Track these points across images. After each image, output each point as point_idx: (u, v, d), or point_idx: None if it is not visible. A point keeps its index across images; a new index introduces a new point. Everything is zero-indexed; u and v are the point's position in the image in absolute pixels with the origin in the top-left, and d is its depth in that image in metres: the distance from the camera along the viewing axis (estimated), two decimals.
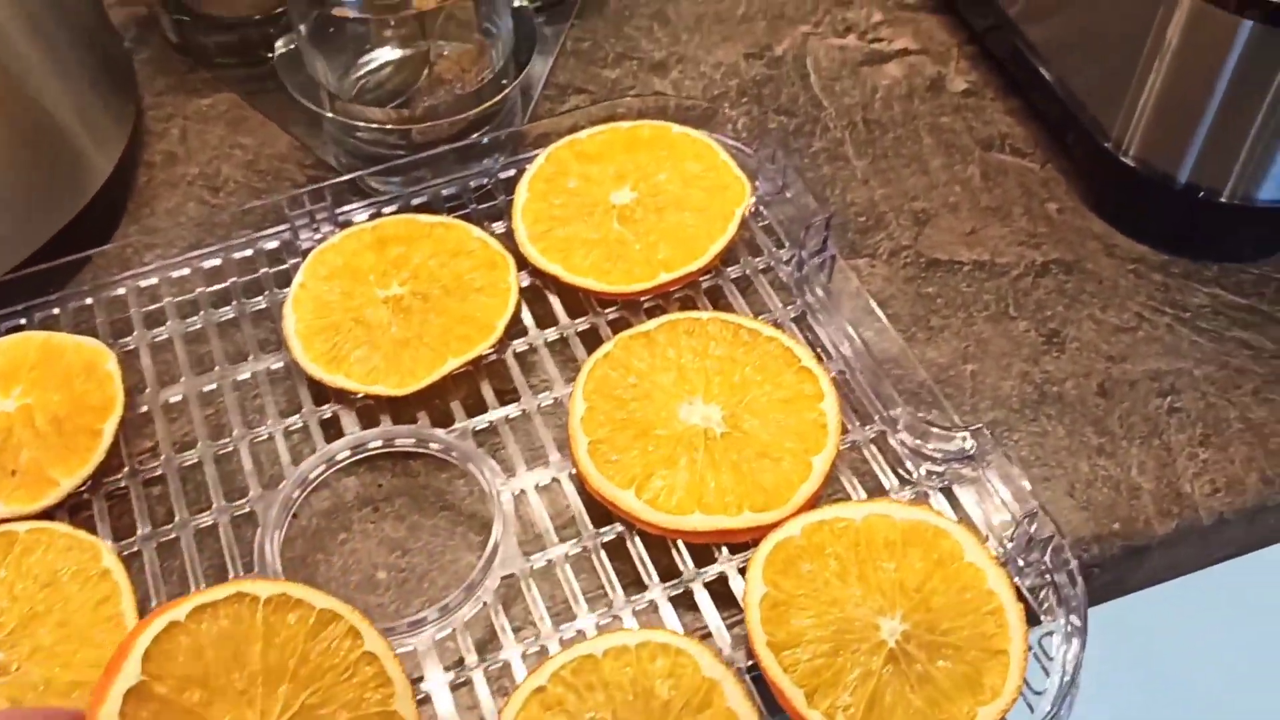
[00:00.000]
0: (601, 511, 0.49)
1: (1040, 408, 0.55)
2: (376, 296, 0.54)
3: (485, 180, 0.61)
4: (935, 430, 0.50)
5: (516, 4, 0.65)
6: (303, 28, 0.60)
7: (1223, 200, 0.58)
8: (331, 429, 0.52)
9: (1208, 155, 0.57)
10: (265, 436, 0.51)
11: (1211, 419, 0.54)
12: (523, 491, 0.49)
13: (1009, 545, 0.47)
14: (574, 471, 0.49)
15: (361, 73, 0.63)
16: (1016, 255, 0.61)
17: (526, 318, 0.56)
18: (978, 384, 0.56)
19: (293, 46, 0.61)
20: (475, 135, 0.62)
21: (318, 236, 0.57)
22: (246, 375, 0.53)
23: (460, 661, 0.45)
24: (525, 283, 0.57)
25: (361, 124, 0.60)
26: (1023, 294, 0.59)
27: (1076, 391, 0.56)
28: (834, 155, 0.66)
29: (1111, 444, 0.54)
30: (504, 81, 0.61)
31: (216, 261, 0.57)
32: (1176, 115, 0.57)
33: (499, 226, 0.59)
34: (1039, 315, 0.59)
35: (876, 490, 0.50)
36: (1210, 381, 0.56)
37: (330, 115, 0.60)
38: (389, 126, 0.61)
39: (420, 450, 0.51)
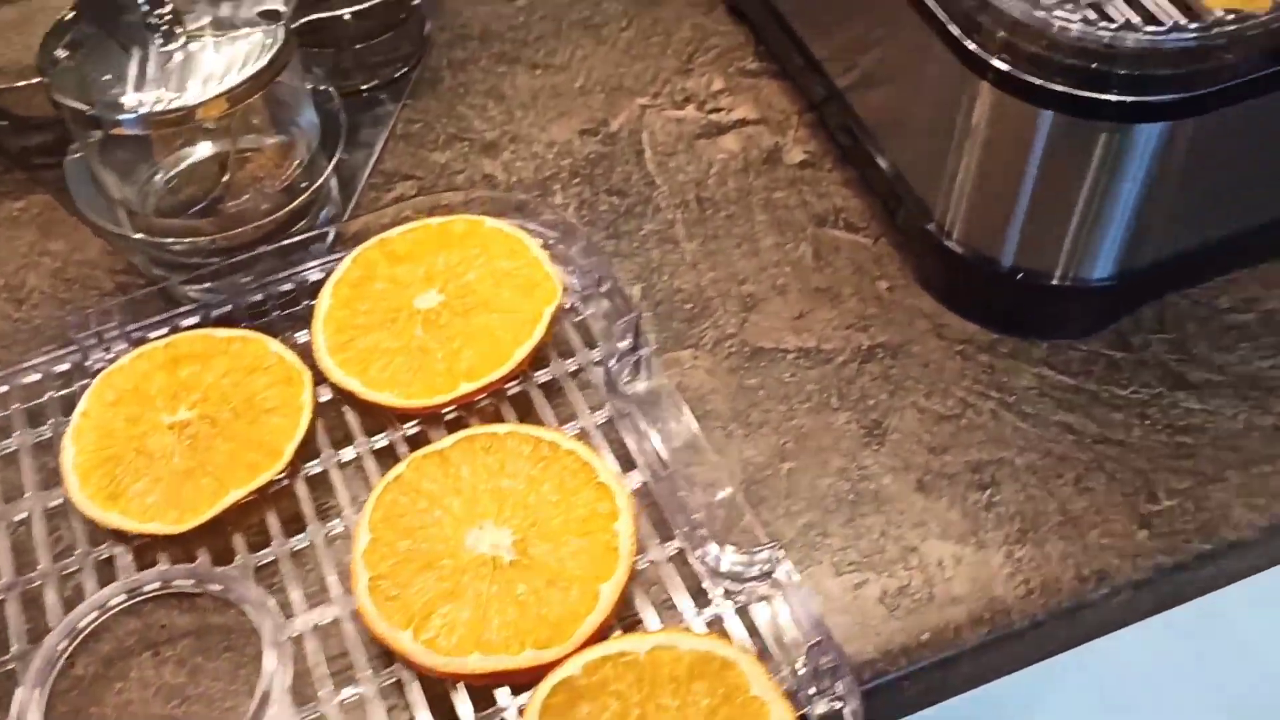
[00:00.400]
0: (385, 651, 0.47)
1: (857, 507, 0.53)
2: (162, 423, 0.52)
3: (291, 286, 0.59)
4: (731, 549, 0.48)
5: (322, 86, 0.63)
6: (92, 136, 0.58)
7: (1052, 283, 0.57)
8: (109, 571, 0.50)
9: (1030, 240, 0.56)
10: (37, 583, 0.49)
11: (1030, 513, 0.53)
12: (301, 634, 0.47)
13: (801, 671, 0.45)
14: (356, 609, 0.48)
15: (161, 179, 0.61)
16: (843, 340, 0.59)
17: (324, 436, 0.54)
18: (794, 484, 0.54)
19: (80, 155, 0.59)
20: (284, 237, 0.60)
21: (109, 356, 0.55)
22: (24, 514, 0.51)
23: None
24: (327, 397, 0.55)
25: (160, 238, 0.59)
26: (846, 382, 0.58)
27: (895, 487, 0.54)
28: (664, 238, 0.64)
29: (926, 545, 0.52)
30: (302, 185, 0.59)
31: (3, 389, 0.55)
32: (992, 201, 0.55)
33: (304, 336, 0.57)
34: (862, 405, 0.57)
35: (672, 614, 0.48)
36: (1031, 471, 0.54)
37: (134, 236, 0.59)
38: (202, 239, 0.59)
39: (199, 590, 0.49)
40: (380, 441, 0.53)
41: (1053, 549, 0.52)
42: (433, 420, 0.54)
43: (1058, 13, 0.46)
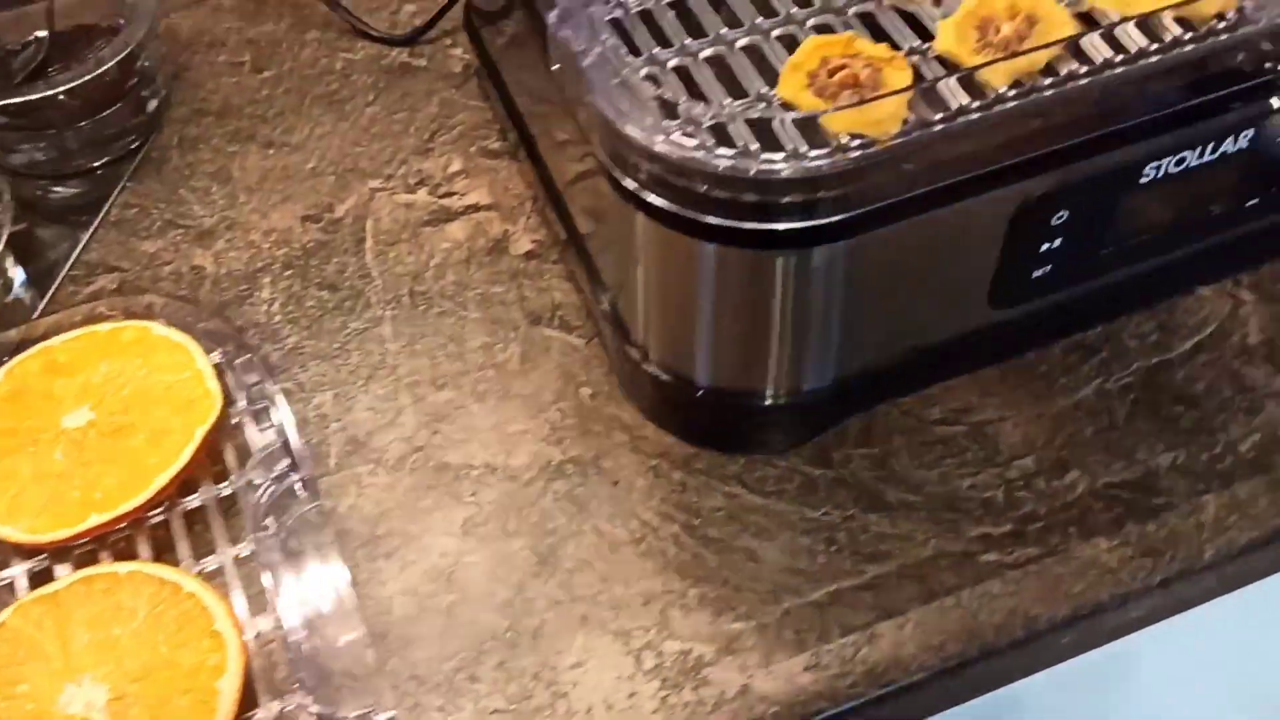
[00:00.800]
0: None
1: (514, 646, 0.50)
2: None
3: None
4: (346, 709, 0.45)
5: None
6: None
7: (749, 402, 0.54)
8: None
9: (723, 361, 0.53)
10: None
11: (694, 653, 0.49)
12: None
13: None
14: None
15: None
16: (534, 454, 0.56)
17: None
18: (453, 620, 0.51)
19: None
20: None
21: None
22: None
23: None
24: None
25: None
26: (529, 503, 0.54)
27: (558, 623, 0.51)
28: (368, 337, 0.61)
29: (578, 690, 0.49)
30: None
31: None
32: (679, 325, 0.52)
33: None
34: (540, 529, 0.54)
35: None
36: (704, 604, 0.51)
37: None
38: None
39: None
40: (2, 580, 0.50)
41: (710, 695, 0.49)
42: (62, 556, 0.50)
43: (675, 137, 0.43)
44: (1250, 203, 0.54)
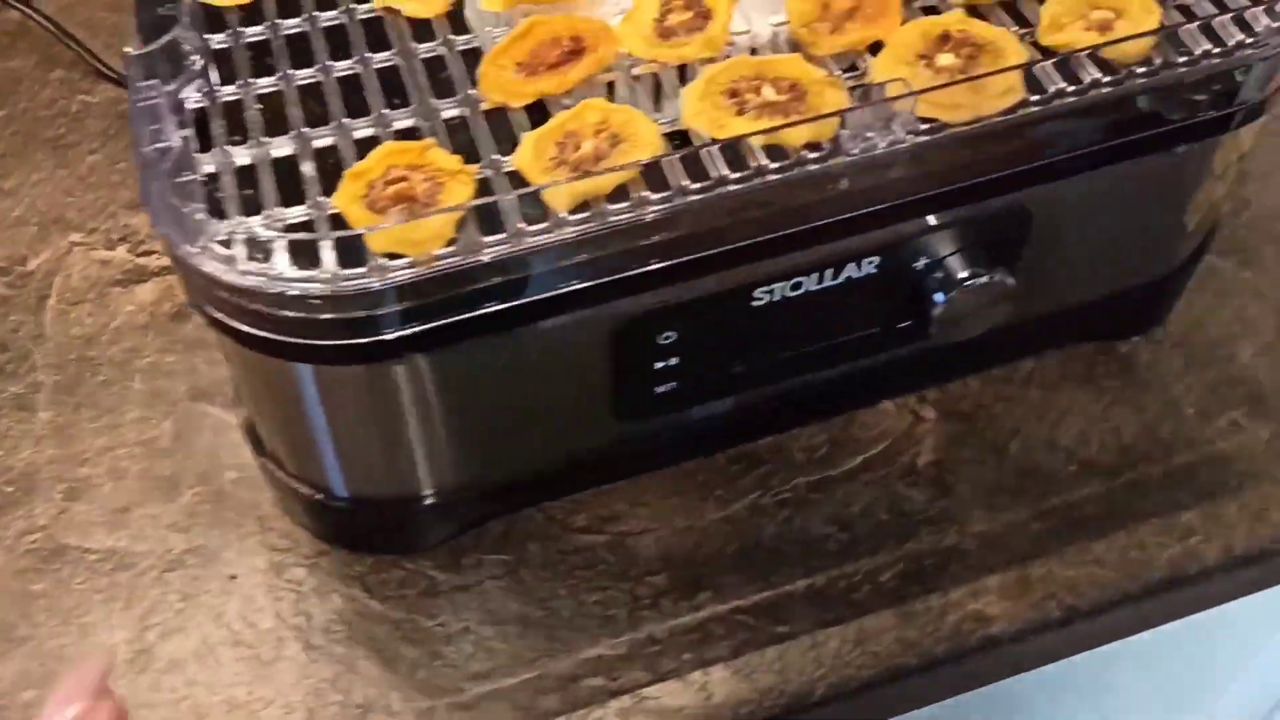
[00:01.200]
0: None
1: None
2: None
3: None
4: None
5: None
6: None
7: (384, 508, 0.52)
8: None
9: (349, 466, 0.50)
10: None
11: None
12: None
13: None
14: None
15: None
16: (158, 541, 0.54)
17: None
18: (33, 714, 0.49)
19: None
20: None
21: None
22: None
23: None
24: None
25: None
26: (139, 594, 0.52)
27: None
28: (21, 405, 0.59)
29: None
30: None
31: None
32: (298, 440, 0.50)
33: None
34: (143, 623, 0.52)
35: None
36: (288, 718, 0.49)
37: None
38: None
39: None
40: None
41: None
42: None
43: (211, 249, 0.41)
44: (903, 324, 0.52)
